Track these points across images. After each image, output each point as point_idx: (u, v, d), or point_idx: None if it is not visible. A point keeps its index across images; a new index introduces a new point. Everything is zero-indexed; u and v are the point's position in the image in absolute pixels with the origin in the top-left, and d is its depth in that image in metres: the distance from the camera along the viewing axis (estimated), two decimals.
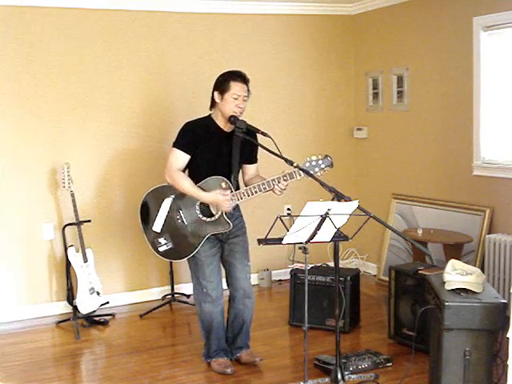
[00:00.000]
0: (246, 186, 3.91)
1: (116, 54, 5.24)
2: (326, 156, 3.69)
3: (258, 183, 3.72)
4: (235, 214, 3.93)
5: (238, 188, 3.86)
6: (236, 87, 3.75)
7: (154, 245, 3.94)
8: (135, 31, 5.29)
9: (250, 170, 3.98)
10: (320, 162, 3.67)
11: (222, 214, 3.79)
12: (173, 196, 3.87)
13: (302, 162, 3.67)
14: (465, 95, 4.93)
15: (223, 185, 3.78)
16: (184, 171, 3.89)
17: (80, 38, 5.10)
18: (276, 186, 3.69)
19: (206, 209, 3.84)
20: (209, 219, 3.83)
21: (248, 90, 3.82)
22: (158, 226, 3.89)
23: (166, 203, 3.88)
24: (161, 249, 3.93)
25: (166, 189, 3.90)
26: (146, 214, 3.97)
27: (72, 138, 5.16)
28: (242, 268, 3.97)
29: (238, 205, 3.95)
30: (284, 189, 3.72)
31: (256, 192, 3.72)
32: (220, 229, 3.83)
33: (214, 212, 3.82)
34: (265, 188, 3.71)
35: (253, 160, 3.98)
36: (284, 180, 3.68)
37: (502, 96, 4.74)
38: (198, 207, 3.83)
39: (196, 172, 3.86)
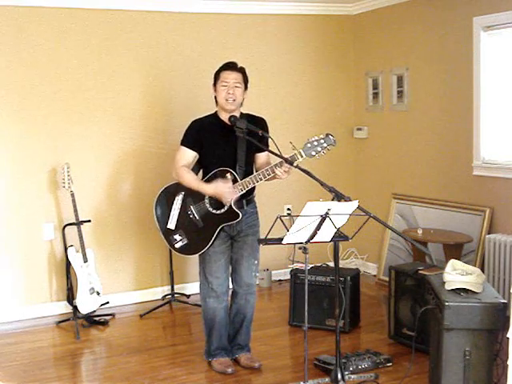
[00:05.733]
0: None
1: (116, 54, 5.24)
2: (328, 135, 3.65)
3: (262, 170, 3.73)
4: (249, 210, 3.93)
5: (245, 177, 3.83)
6: (224, 74, 3.81)
7: (170, 242, 3.98)
8: (135, 31, 5.29)
9: (259, 158, 3.96)
10: (322, 141, 3.64)
11: (230, 205, 3.79)
12: (183, 192, 3.91)
13: (303, 142, 3.64)
14: (465, 95, 4.93)
15: (228, 176, 3.79)
16: (198, 171, 3.94)
17: (80, 38, 5.10)
18: (277, 170, 3.65)
19: (215, 201, 3.84)
20: (219, 211, 3.83)
21: (244, 78, 3.85)
22: (171, 223, 3.94)
23: (178, 200, 3.92)
24: (177, 245, 3.96)
25: (177, 186, 3.95)
26: (161, 213, 4.00)
27: (72, 138, 5.16)
28: (248, 266, 3.98)
29: (253, 200, 3.98)
30: (287, 171, 3.67)
31: (261, 179, 3.72)
32: (230, 219, 3.83)
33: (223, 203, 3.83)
34: (268, 174, 3.69)
35: (262, 148, 3.90)
36: (287, 163, 3.62)
37: (502, 96, 4.74)
38: (207, 200, 3.85)
39: (206, 167, 3.91)
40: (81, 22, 5.09)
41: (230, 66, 3.85)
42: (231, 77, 3.81)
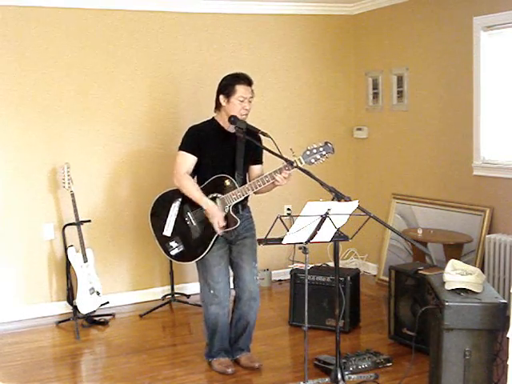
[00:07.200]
0: None
1: (117, 54, 5.24)
2: (326, 143, 3.68)
3: (261, 176, 3.75)
4: (244, 214, 3.94)
5: (243, 185, 3.85)
6: (241, 89, 3.79)
7: (165, 249, 3.96)
8: (136, 31, 5.28)
9: (254, 171, 3.98)
10: (321, 149, 3.66)
11: (228, 211, 3.79)
12: (180, 199, 3.90)
13: (302, 150, 3.67)
14: (465, 95, 4.93)
15: (227, 182, 3.80)
16: (194, 175, 3.93)
17: (80, 38, 5.10)
18: (277, 176, 3.67)
19: None
20: None
21: (252, 91, 3.86)
22: (168, 230, 3.92)
23: (174, 207, 3.91)
24: (172, 252, 3.94)
25: (173, 193, 3.93)
26: (156, 220, 3.98)
27: (72, 138, 5.17)
28: (249, 270, 3.96)
29: (247, 205, 3.99)
30: (286, 177, 3.69)
31: (260, 185, 3.72)
32: (229, 225, 3.82)
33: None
34: (268, 180, 3.71)
35: (257, 160, 3.97)
36: (286, 169, 3.65)
37: (502, 96, 4.74)
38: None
39: (203, 173, 3.89)
40: (81, 22, 5.09)
41: (247, 81, 3.83)
42: (248, 92, 3.81)
